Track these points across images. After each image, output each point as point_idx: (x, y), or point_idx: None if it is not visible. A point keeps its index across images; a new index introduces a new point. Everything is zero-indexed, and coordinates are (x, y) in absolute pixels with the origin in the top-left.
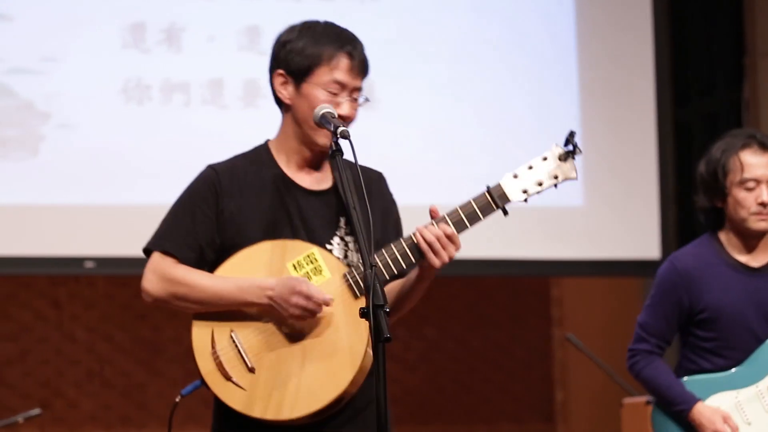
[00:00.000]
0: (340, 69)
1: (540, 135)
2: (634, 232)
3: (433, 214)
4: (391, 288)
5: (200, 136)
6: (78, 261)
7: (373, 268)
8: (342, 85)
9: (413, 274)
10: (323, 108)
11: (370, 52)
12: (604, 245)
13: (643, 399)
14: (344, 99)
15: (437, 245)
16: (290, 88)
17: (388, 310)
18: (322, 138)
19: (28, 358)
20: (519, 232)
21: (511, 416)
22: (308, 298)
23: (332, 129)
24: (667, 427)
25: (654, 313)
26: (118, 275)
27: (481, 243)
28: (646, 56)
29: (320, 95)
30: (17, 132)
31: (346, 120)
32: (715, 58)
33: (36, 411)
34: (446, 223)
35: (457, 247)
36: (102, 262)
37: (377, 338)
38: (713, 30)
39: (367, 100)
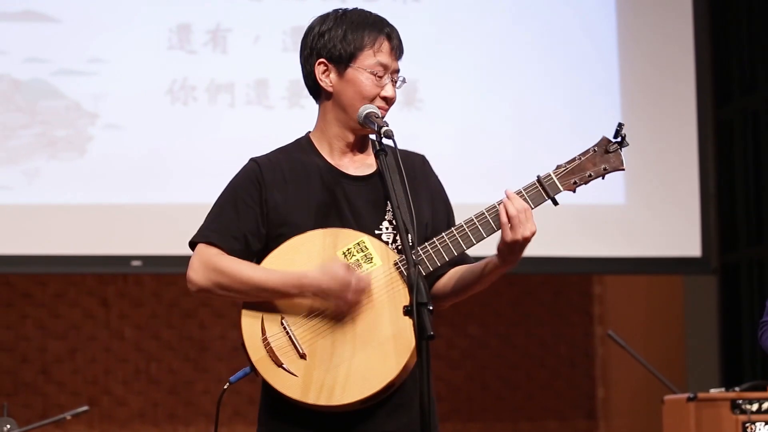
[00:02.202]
0: (382, 51)
1: (581, 136)
2: (675, 230)
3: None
4: (457, 273)
5: (245, 136)
6: (125, 260)
7: (417, 266)
8: (386, 67)
9: (487, 262)
10: (366, 108)
11: (411, 52)
12: (646, 243)
13: (684, 396)
14: (387, 81)
15: (521, 216)
16: (333, 76)
17: (431, 308)
18: None
19: (77, 356)
20: (561, 230)
21: (555, 413)
22: (358, 283)
23: (376, 129)
24: None
25: None
26: (165, 274)
27: None
28: (687, 56)
29: (365, 78)
30: (66, 132)
31: (390, 102)
32: (757, 56)
33: (84, 408)
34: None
35: (532, 230)
36: (149, 260)
37: (421, 336)
38: (754, 28)
39: (404, 81)
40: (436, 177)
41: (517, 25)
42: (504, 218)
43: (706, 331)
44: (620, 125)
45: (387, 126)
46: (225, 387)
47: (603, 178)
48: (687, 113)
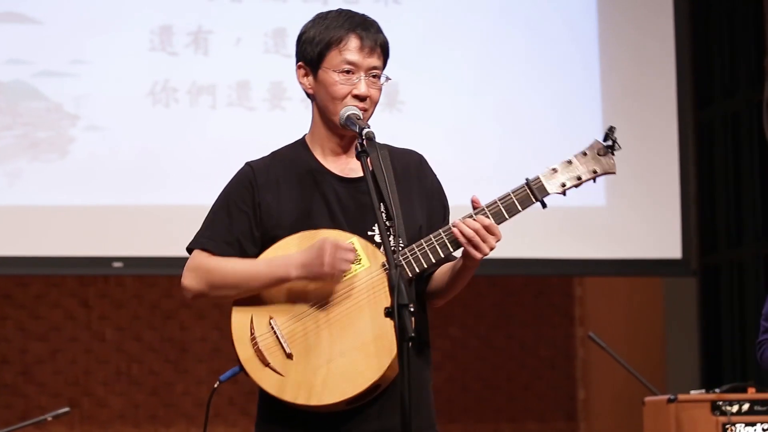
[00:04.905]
0: (349, 49)
1: (563, 136)
2: (655, 231)
3: (474, 204)
4: (443, 272)
5: (227, 138)
6: (106, 261)
7: (398, 268)
8: (354, 65)
9: (459, 261)
10: (348, 110)
11: (392, 54)
12: (626, 245)
13: (664, 397)
14: (359, 78)
15: (476, 239)
16: (310, 78)
17: (412, 309)
18: None
19: (58, 357)
20: (542, 232)
21: (535, 414)
22: (337, 247)
23: (357, 131)
24: None
25: None
26: (147, 275)
27: (505, 243)
28: (668, 58)
29: (333, 78)
30: (47, 134)
31: (364, 99)
32: (738, 58)
33: (65, 409)
34: (485, 215)
35: (498, 238)
36: (130, 262)
37: (402, 337)
38: (735, 31)
39: (387, 78)
40: (434, 176)
41: (498, 25)
42: (462, 239)
43: (686, 333)
44: (611, 129)
45: (368, 128)
46: (215, 386)
47: (594, 182)
48: (668, 115)
